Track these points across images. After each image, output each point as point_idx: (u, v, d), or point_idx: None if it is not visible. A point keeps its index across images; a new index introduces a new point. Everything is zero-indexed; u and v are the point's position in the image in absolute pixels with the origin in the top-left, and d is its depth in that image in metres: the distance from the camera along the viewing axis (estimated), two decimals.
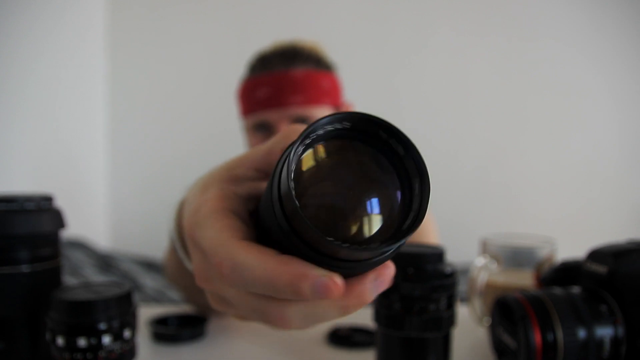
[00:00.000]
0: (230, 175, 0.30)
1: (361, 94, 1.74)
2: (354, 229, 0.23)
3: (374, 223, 0.24)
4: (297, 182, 0.23)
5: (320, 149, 0.24)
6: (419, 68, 1.89)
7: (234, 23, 1.89)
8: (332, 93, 0.96)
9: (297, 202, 0.21)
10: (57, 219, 0.46)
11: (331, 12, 1.88)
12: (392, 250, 0.23)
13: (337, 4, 1.89)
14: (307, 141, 0.23)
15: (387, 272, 0.25)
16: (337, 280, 0.22)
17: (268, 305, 0.25)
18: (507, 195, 1.86)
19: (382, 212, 0.24)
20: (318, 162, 0.24)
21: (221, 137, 1.64)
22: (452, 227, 1.59)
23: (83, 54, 1.78)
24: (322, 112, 0.93)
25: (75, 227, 1.00)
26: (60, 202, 0.49)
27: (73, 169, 1.70)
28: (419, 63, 1.88)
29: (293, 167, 0.22)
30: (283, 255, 0.23)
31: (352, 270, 0.23)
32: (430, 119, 1.88)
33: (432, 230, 1.01)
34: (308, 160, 0.23)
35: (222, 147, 1.28)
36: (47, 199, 0.45)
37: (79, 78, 1.74)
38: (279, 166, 0.23)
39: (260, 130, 0.95)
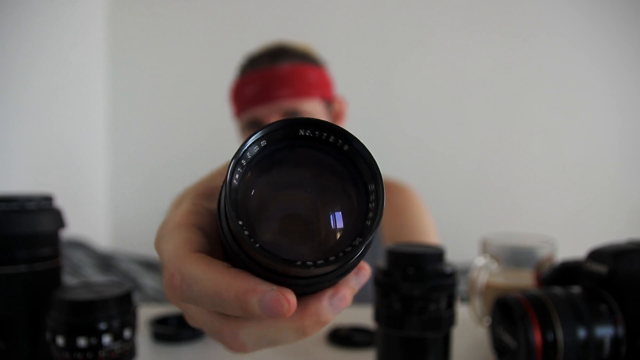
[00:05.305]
0: (205, 188, 0.29)
1: (358, 92, 1.75)
2: (308, 244, 0.22)
3: (330, 236, 0.22)
4: (243, 194, 0.21)
5: (268, 161, 0.22)
6: (417, 66, 1.88)
7: (234, 23, 1.89)
8: (321, 86, 0.94)
9: (238, 219, 0.20)
10: (57, 219, 0.46)
11: (329, 10, 1.88)
12: (348, 264, 0.21)
13: (336, 3, 1.88)
14: (250, 155, 0.21)
15: (345, 290, 0.23)
16: (289, 296, 0.20)
17: (222, 325, 0.24)
18: (507, 195, 1.86)
19: (339, 224, 0.22)
20: (267, 175, 0.22)
21: (221, 137, 1.64)
22: (452, 227, 1.59)
23: (83, 54, 1.77)
24: (311, 105, 0.92)
25: (75, 227, 1.00)
26: (60, 202, 0.49)
27: (73, 169, 1.70)
28: (417, 61, 1.88)
29: (234, 178, 0.21)
30: (233, 268, 0.22)
31: (307, 287, 0.22)
32: (428, 118, 1.88)
33: (431, 230, 1.01)
34: (254, 175, 0.22)
35: (222, 147, 1.28)
36: (47, 199, 0.45)
37: (79, 78, 1.74)
38: (224, 183, 0.22)
39: (252, 127, 0.94)
